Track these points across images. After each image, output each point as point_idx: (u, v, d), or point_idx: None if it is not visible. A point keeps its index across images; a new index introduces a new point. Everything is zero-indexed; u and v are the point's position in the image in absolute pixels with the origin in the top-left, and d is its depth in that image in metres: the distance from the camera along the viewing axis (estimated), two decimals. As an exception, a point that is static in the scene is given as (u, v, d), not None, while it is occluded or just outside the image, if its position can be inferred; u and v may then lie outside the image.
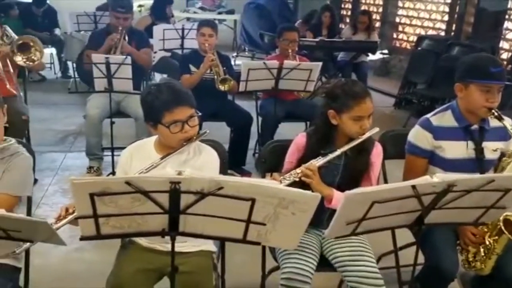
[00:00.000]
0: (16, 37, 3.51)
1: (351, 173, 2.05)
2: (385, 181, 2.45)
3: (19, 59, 3.28)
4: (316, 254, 2.01)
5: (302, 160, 2.05)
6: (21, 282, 1.88)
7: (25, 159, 1.79)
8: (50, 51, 7.14)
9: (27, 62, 3.31)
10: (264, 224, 1.39)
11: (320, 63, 3.51)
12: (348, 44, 5.85)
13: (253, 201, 1.32)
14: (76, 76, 5.77)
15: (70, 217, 1.52)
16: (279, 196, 1.30)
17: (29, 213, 2.04)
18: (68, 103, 5.57)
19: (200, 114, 1.87)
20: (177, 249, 1.62)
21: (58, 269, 2.69)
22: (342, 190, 2.04)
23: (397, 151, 2.39)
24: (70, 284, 2.58)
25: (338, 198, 1.95)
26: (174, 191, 1.29)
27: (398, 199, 1.42)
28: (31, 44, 3.33)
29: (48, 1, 7.04)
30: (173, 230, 1.43)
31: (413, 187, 1.39)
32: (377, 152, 2.12)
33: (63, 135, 4.77)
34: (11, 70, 3.39)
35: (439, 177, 1.39)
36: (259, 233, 1.42)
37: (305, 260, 1.92)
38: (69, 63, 6.73)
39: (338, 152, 1.98)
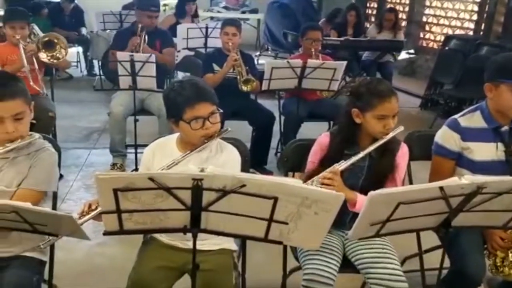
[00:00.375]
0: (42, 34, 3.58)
1: (375, 175, 2.01)
2: (410, 183, 2.40)
3: (44, 56, 3.34)
4: (339, 255, 1.98)
5: (325, 160, 2.03)
6: (45, 275, 1.91)
7: (51, 155, 1.81)
8: (76, 49, 7.27)
9: (52, 60, 3.37)
10: (287, 223, 1.37)
11: (345, 62, 3.47)
12: (373, 43, 5.77)
13: (275, 199, 1.30)
14: (102, 74, 5.85)
15: (93, 212, 1.53)
16: (302, 195, 1.28)
17: (54, 207, 2.07)
18: (93, 101, 5.65)
19: (221, 111, 1.86)
20: (198, 247, 1.62)
21: (81, 263, 2.73)
22: (366, 192, 2.03)
23: (423, 152, 2.33)
24: (92, 278, 2.61)
25: (362, 202, 1.92)
26: (197, 188, 1.29)
27: (425, 201, 1.38)
28: (56, 41, 3.38)
29: (75, 1, 7.16)
30: (195, 227, 1.42)
31: (441, 188, 1.35)
32: (403, 153, 2.07)
33: (88, 132, 4.84)
34: (37, 68, 3.43)
35: (468, 179, 1.35)
36: (281, 232, 1.41)
37: (328, 262, 1.89)
38: (95, 62, 6.83)
39: (361, 154, 1.94)
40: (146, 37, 3.81)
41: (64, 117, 4.98)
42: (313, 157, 2.09)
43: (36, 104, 3.36)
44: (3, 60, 3.48)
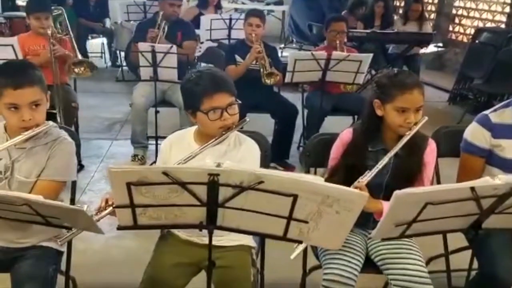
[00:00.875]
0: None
1: (401, 173, 1.92)
2: (438, 181, 2.31)
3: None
4: (361, 256, 1.90)
5: (348, 156, 1.95)
6: (63, 266, 1.90)
7: (68, 144, 1.79)
8: (101, 40, 7.32)
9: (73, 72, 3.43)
10: (307, 222, 1.31)
11: (371, 55, 3.37)
12: (400, 36, 5.59)
13: (295, 197, 1.24)
14: (125, 65, 5.85)
15: (109, 209, 1.49)
16: (323, 193, 1.22)
17: (73, 198, 2.05)
18: (116, 92, 5.67)
19: (239, 102, 1.80)
20: (215, 243, 1.57)
21: (99, 254, 2.73)
22: (391, 191, 1.94)
23: (451, 149, 2.23)
24: (109, 270, 2.61)
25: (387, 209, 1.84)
26: (213, 183, 1.24)
27: (454, 202, 1.30)
28: (85, 65, 3.44)
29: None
30: (211, 223, 1.37)
31: (472, 189, 1.27)
32: (431, 150, 1.98)
33: (110, 122, 4.86)
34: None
35: (502, 179, 1.26)
36: (300, 231, 1.35)
37: (350, 262, 1.82)
38: (119, 53, 6.85)
39: (386, 159, 1.84)
40: (166, 27, 3.77)
41: (86, 108, 5.00)
42: (336, 153, 2.02)
43: (60, 95, 3.45)
44: (26, 51, 3.49)
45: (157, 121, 3.60)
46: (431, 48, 7.24)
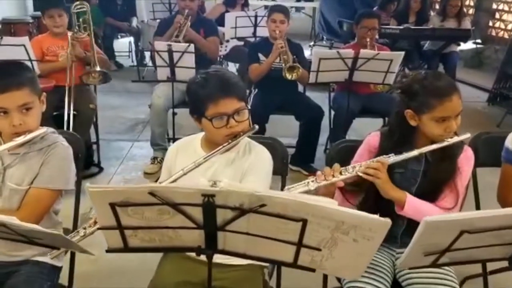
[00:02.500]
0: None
1: (432, 181, 1.71)
2: (475, 192, 2.08)
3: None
4: (388, 278, 1.70)
5: None
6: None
7: (64, 149, 1.65)
8: (128, 39, 7.28)
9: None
10: (319, 250, 1.13)
11: (402, 53, 3.11)
12: (436, 32, 5.26)
13: (304, 222, 1.06)
14: (151, 65, 5.77)
15: (93, 228, 1.35)
16: (337, 219, 1.03)
17: (77, 207, 1.92)
18: (141, 91, 5.57)
19: (249, 108, 1.63)
20: (221, 261, 1.41)
21: (111, 263, 2.59)
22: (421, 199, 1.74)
23: (492, 158, 1.99)
24: (122, 279, 2.49)
25: (412, 204, 1.64)
26: (208, 205, 1.07)
27: (495, 230, 1.09)
28: (97, 74, 3.37)
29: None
30: (210, 247, 1.21)
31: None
32: (466, 157, 1.75)
33: (133, 123, 4.77)
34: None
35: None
36: (313, 259, 1.16)
37: (375, 286, 1.62)
38: (146, 52, 6.79)
39: (416, 152, 1.64)
40: (189, 22, 3.63)
41: (110, 108, 4.95)
42: (359, 158, 1.82)
43: (77, 96, 3.36)
44: (44, 52, 3.41)
45: (174, 122, 3.47)
46: (469, 45, 6.86)
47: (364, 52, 3.07)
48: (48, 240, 1.24)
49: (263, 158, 1.67)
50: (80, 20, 3.51)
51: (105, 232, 1.17)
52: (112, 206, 1.07)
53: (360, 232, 1.03)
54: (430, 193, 1.68)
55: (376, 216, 1.00)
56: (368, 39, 3.55)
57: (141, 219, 1.12)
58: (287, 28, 3.53)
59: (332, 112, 3.79)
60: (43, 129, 1.60)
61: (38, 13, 6.38)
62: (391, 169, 1.72)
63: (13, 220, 1.12)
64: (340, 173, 1.58)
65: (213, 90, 1.55)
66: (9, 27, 5.99)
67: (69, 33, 3.35)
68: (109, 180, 3.54)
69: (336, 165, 1.61)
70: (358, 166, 1.63)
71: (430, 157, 1.72)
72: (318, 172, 1.58)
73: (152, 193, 1.03)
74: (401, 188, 1.69)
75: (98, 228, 1.14)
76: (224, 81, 1.58)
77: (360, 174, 1.61)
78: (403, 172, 1.73)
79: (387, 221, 1.00)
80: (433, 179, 1.70)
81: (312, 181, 1.55)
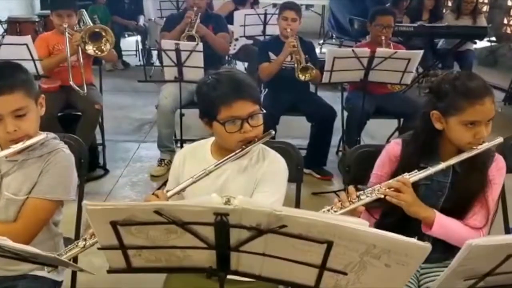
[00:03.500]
0: (91, 24, 3.38)
1: (460, 194, 1.59)
2: (503, 203, 1.94)
3: (89, 48, 3.12)
4: (411, 294, 1.58)
5: (396, 174, 1.62)
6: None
7: (65, 157, 1.54)
8: (135, 38, 7.17)
9: (97, 51, 3.14)
10: (345, 274, 1.00)
11: (421, 52, 2.96)
12: (451, 30, 5.09)
13: (329, 244, 0.94)
14: (158, 64, 5.66)
15: (93, 240, 1.23)
16: (368, 242, 0.91)
17: (79, 214, 1.80)
18: (148, 91, 5.45)
19: (264, 111, 1.50)
20: (234, 276, 1.29)
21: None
22: (447, 215, 1.61)
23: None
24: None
25: (441, 223, 1.52)
26: (221, 224, 0.95)
27: (548, 253, 0.96)
28: (103, 34, 3.15)
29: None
30: (222, 268, 1.09)
31: None
32: (498, 167, 1.62)
33: (140, 123, 4.66)
34: (81, 60, 3.22)
35: None
36: (337, 283, 1.04)
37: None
38: (153, 51, 6.69)
39: (442, 165, 1.52)
40: (199, 19, 3.52)
41: (117, 108, 4.85)
42: (379, 169, 1.69)
43: (82, 96, 3.25)
44: (50, 50, 3.32)
45: (182, 124, 3.35)
46: (484, 43, 6.69)
47: (380, 51, 2.93)
48: (42, 259, 1.12)
49: (278, 167, 1.55)
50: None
51: (106, 251, 1.05)
52: (113, 224, 0.95)
53: (394, 257, 0.91)
54: (458, 208, 1.56)
55: (414, 240, 0.88)
56: (383, 37, 3.41)
57: (145, 239, 1.00)
58: (299, 26, 3.40)
59: (345, 113, 3.66)
60: (43, 135, 1.49)
61: (45, 12, 6.32)
62: (415, 189, 1.60)
63: (5, 241, 1.01)
64: (358, 197, 1.46)
65: (226, 92, 1.44)
66: (15, 26, 5.90)
67: (68, 32, 3.22)
68: (115, 183, 3.43)
69: (351, 189, 1.49)
70: (378, 188, 1.51)
71: (458, 168, 1.59)
72: (335, 200, 1.46)
73: (158, 212, 0.91)
74: (427, 202, 1.57)
75: (99, 248, 1.02)
76: (237, 82, 1.46)
77: (381, 197, 1.48)
78: (428, 184, 1.60)
79: (427, 246, 0.88)
80: (462, 192, 1.58)
81: (328, 210, 1.43)
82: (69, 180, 1.55)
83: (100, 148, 3.68)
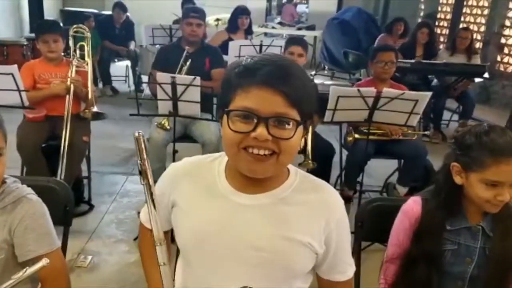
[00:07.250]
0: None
1: (494, 261, 1.43)
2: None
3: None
4: None
5: (420, 238, 1.47)
6: None
7: (35, 206, 1.35)
8: (125, 63, 7.03)
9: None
10: None
11: (430, 93, 2.84)
12: (449, 67, 5.02)
13: None
14: (147, 92, 5.50)
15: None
16: None
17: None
18: (138, 119, 5.26)
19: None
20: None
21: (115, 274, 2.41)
22: (477, 286, 1.46)
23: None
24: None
25: None
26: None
27: None
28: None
29: (128, 14, 6.91)
30: None
31: None
32: None
33: (128, 154, 4.45)
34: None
35: None
36: None
37: None
38: (143, 77, 6.53)
39: None
40: (189, 62, 3.36)
41: (104, 137, 4.63)
42: (399, 238, 1.53)
43: (71, 126, 3.06)
44: (36, 79, 3.12)
45: (174, 160, 3.16)
46: (476, 79, 6.67)
47: (387, 91, 2.80)
48: None
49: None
50: (78, 46, 3.29)
51: None
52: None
53: None
54: (491, 277, 1.41)
55: None
56: (386, 75, 3.32)
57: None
58: (305, 62, 3.29)
59: (344, 151, 3.51)
60: (11, 181, 1.33)
61: (33, 35, 6.16)
62: (440, 245, 1.45)
63: None
64: None
65: (251, 72, 1.03)
66: (2, 49, 5.75)
67: (74, 62, 3.16)
68: (100, 220, 3.21)
69: None
70: None
71: (490, 231, 1.45)
72: None
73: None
74: (454, 270, 1.42)
75: None
76: (275, 67, 1.03)
77: None
78: (455, 248, 1.45)
79: None
80: (496, 258, 1.42)
81: None
82: (51, 227, 1.39)
83: (85, 181, 3.47)
